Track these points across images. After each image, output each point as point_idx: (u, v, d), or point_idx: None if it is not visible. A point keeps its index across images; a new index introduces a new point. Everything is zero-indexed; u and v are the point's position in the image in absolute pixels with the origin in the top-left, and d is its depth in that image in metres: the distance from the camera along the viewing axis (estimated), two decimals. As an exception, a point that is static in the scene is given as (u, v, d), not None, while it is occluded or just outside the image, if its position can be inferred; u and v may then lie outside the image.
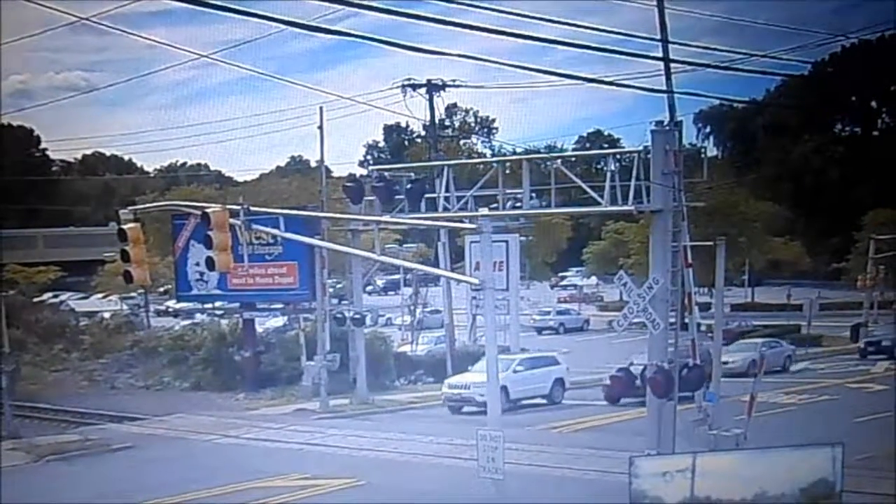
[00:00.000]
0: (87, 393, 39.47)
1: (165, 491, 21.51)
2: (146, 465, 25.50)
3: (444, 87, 44.60)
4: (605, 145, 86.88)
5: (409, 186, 27.50)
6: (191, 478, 23.02)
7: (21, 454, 26.50)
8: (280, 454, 25.90)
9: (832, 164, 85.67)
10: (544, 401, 33.70)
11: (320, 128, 36.23)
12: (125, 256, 22.12)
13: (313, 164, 61.75)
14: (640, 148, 23.31)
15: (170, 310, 61.27)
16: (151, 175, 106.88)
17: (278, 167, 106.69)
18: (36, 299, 54.14)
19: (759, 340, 45.79)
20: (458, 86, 46.20)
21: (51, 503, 21.46)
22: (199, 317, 48.95)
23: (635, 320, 21.41)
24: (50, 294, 58.76)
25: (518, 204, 26.59)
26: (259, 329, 42.23)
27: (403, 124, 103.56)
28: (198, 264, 34.79)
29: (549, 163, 27.20)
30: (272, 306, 40.64)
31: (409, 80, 43.57)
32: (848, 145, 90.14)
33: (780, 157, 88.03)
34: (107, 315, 54.22)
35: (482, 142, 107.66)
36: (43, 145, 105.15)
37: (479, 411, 30.46)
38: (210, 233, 21.14)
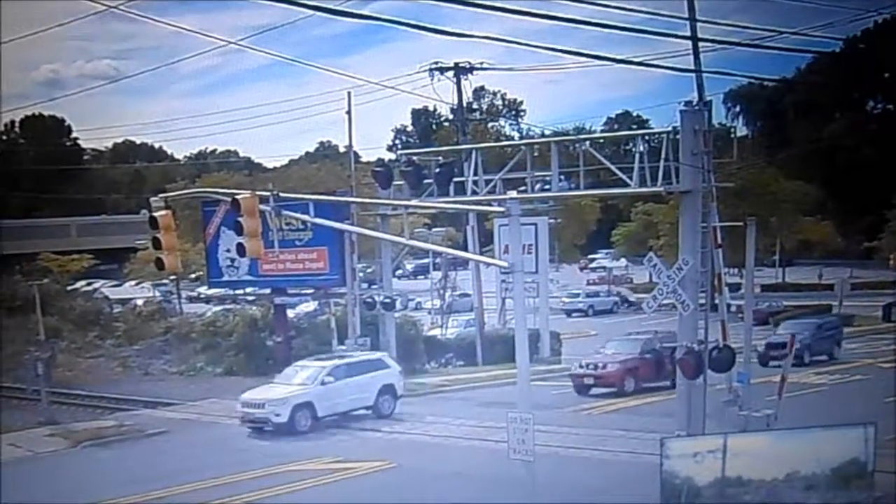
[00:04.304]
0: (122, 379, 39.90)
1: (201, 475, 21.80)
2: (181, 449, 25.83)
3: (471, 69, 44.55)
4: (634, 126, 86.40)
5: (437, 170, 27.48)
6: (225, 461, 23.32)
7: (59, 440, 26.92)
8: (313, 438, 26.10)
9: (864, 143, 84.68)
10: (369, 412, 28.26)
11: (348, 113, 36.32)
12: (157, 244, 22.29)
13: (342, 150, 62.20)
14: (669, 128, 23.19)
15: (201, 296, 61.73)
16: (181, 162, 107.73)
17: (307, 153, 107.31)
18: (70, 287, 54.81)
19: None
20: (485, 68, 46.19)
21: (89, 486, 21.74)
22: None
23: (665, 302, 21.37)
24: (83, 282, 59.47)
25: (546, 186, 26.56)
26: (290, 314, 42.47)
27: (431, 108, 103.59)
28: (228, 251, 34.99)
29: (577, 145, 27.07)
30: (303, 291, 40.86)
31: (436, 63, 43.60)
32: (880, 123, 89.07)
33: (811, 135, 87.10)
34: (140, 302, 54.76)
35: (510, 124, 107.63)
36: (74, 134, 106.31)
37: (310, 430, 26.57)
38: (240, 219, 21.26)
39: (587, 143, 27.01)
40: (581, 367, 33.43)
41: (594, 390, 32.54)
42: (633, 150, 23.59)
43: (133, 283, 63.67)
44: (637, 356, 33.25)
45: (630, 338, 36.37)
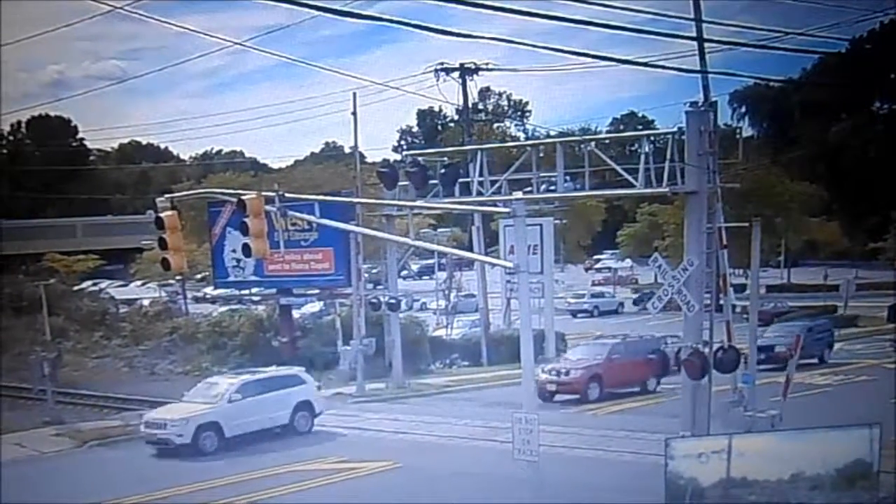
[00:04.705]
0: (128, 379, 39.91)
1: (206, 475, 21.86)
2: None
3: (476, 70, 44.67)
4: (640, 127, 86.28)
5: (442, 171, 27.52)
6: (230, 461, 23.37)
7: (65, 439, 26.97)
8: (317, 438, 26.14)
9: (870, 143, 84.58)
10: (284, 430, 26.24)
11: (354, 113, 36.36)
12: (162, 244, 22.36)
13: (347, 150, 62.09)
14: (675, 129, 23.20)
15: (207, 296, 61.81)
16: (187, 163, 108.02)
17: (313, 153, 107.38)
18: (76, 287, 54.82)
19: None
20: (490, 69, 46.30)
21: (95, 486, 21.80)
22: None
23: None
24: (89, 282, 59.49)
25: (552, 187, 26.57)
26: (296, 314, 42.54)
27: (437, 109, 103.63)
28: (234, 251, 35.09)
29: (583, 145, 27.09)
30: (308, 292, 40.91)
31: (442, 64, 43.69)
32: (886, 123, 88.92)
33: (817, 136, 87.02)
34: (146, 302, 54.80)
35: (515, 125, 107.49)
36: (80, 135, 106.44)
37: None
38: (246, 220, 21.33)
39: (593, 143, 27.00)
40: (544, 372, 31.63)
41: (558, 397, 31.14)
42: (639, 150, 23.59)
43: (139, 283, 63.78)
44: (603, 361, 32.14)
45: (596, 342, 35.57)
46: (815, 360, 38.67)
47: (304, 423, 26.69)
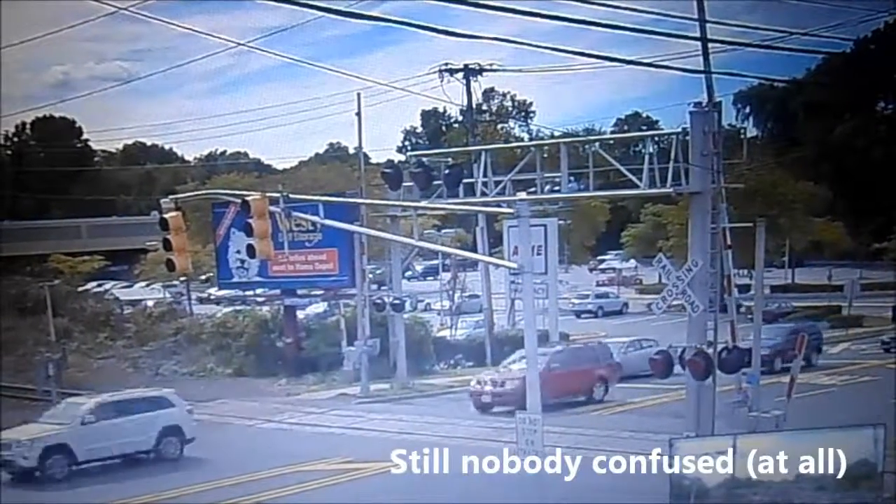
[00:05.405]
0: (132, 380, 39.97)
1: (209, 475, 21.90)
2: (190, 450, 25.87)
3: (480, 71, 44.61)
4: (644, 127, 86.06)
5: (447, 172, 27.53)
6: (234, 462, 23.40)
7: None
8: (322, 438, 26.20)
9: (874, 144, 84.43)
10: (148, 455, 24.70)
11: (358, 114, 36.38)
12: (167, 245, 22.39)
13: (352, 151, 62.27)
14: (679, 130, 23.22)
15: (212, 297, 61.82)
16: (192, 164, 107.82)
17: (317, 154, 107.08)
18: (81, 288, 54.89)
19: None
20: (495, 70, 46.23)
21: (99, 487, 21.84)
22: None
23: (674, 303, 21.39)
24: (94, 283, 59.54)
25: (556, 188, 26.59)
26: (300, 315, 42.59)
27: (441, 109, 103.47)
28: (238, 252, 35.07)
29: (587, 146, 27.12)
30: (313, 293, 40.95)
31: (446, 64, 43.68)
32: (890, 124, 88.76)
33: (821, 136, 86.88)
34: (150, 303, 54.89)
35: (519, 126, 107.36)
36: (85, 136, 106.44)
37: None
38: (250, 220, 21.35)
39: (597, 144, 27.04)
40: (479, 383, 30.65)
41: (496, 408, 29.40)
42: (643, 151, 23.67)
43: (143, 284, 63.76)
44: (543, 370, 30.73)
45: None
46: (801, 363, 38.35)
47: (171, 448, 24.95)
